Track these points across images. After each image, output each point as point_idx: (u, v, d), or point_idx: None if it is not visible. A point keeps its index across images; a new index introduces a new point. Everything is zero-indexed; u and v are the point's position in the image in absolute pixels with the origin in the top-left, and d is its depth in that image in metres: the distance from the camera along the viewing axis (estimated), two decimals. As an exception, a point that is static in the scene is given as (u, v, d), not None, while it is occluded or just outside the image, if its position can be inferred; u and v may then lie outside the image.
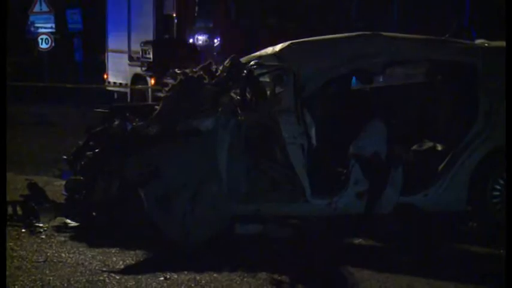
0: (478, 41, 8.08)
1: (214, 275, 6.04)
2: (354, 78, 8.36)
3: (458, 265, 6.57)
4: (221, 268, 6.16)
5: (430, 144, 7.94)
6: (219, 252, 6.61)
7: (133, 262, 6.42)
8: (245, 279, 5.97)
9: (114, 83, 19.53)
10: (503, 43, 7.97)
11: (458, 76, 8.04)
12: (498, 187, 7.35)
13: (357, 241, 7.22)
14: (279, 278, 6.02)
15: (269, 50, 7.82)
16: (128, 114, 7.66)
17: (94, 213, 7.23)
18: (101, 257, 6.45)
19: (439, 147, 7.83)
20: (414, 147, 7.96)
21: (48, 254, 6.57)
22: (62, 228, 7.29)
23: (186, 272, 6.07)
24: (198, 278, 5.98)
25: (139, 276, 6.01)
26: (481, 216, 7.47)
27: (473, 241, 7.27)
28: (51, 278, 5.96)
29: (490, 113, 7.39)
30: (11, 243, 6.73)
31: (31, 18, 23.03)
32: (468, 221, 7.68)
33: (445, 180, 7.33)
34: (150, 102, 14.97)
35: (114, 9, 19.45)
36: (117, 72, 19.35)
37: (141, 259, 6.50)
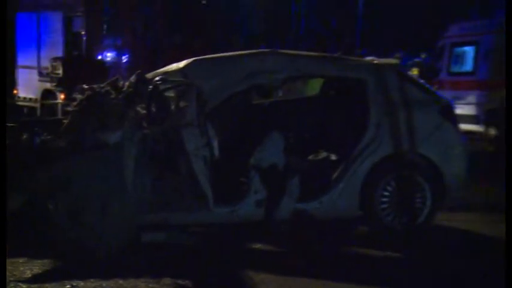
0: (368, 58, 8.32)
1: (120, 281, 6.00)
2: None
3: (352, 266, 6.71)
4: (127, 275, 6.12)
5: (325, 154, 8.12)
6: (125, 260, 6.56)
7: (40, 271, 6.31)
8: (150, 284, 5.95)
9: (24, 98, 19.20)
10: (389, 60, 8.25)
11: (351, 90, 8.25)
12: (387, 193, 7.56)
13: (257, 246, 7.30)
14: (183, 282, 6.03)
15: (174, 66, 7.85)
16: (36, 129, 7.54)
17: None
18: (9, 267, 6.28)
19: (333, 157, 8.01)
20: (310, 157, 8.13)
21: (-45, 265, 6.43)
22: (-30, 240, 7.13)
23: (92, 280, 6.01)
24: (104, 285, 5.93)
25: (46, 285, 5.92)
26: (371, 221, 7.67)
27: (365, 244, 7.42)
28: (-43, 289, 5.83)
29: (379, 125, 7.61)
30: None
31: None
32: (359, 226, 7.89)
33: (338, 188, 7.50)
34: (59, 116, 14.79)
35: (23, 26, 19.12)
36: (27, 87, 19.05)
37: (48, 268, 6.39)
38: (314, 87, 10.65)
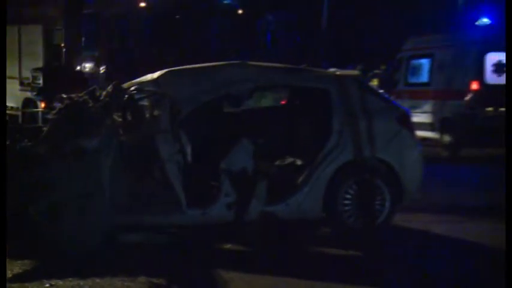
0: (330, 70, 8.34)
1: (97, 280, 5.94)
2: None
3: (316, 264, 6.71)
4: (104, 274, 6.06)
5: (291, 159, 8.12)
6: (102, 260, 6.51)
7: (21, 271, 6.23)
8: (125, 283, 5.90)
9: (6, 106, 19.00)
10: (350, 71, 8.30)
11: (315, 99, 8.27)
12: (348, 196, 7.60)
13: (227, 246, 7.27)
14: (157, 281, 5.98)
15: (148, 77, 7.82)
16: (18, 135, 7.46)
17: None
18: (-10, 268, 6.25)
19: (299, 162, 8.02)
20: (277, 162, 8.12)
21: None
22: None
23: (70, 279, 5.94)
24: (81, 283, 5.86)
25: (26, 284, 5.84)
26: (334, 222, 7.69)
27: (329, 244, 7.44)
28: None
29: (342, 132, 7.64)
30: None
31: None
32: (322, 227, 7.89)
33: (303, 191, 7.50)
34: (40, 124, 14.64)
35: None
36: (9, 96, 18.83)
37: (28, 268, 6.32)
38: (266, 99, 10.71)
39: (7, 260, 6.38)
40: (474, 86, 14.57)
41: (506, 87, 6.72)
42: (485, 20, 15.12)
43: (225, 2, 21.63)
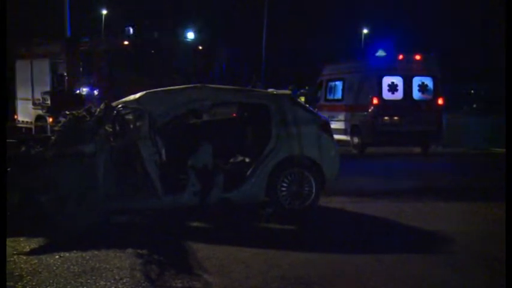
0: (269, 90, 8.35)
1: (95, 252, 5.84)
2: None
3: (262, 235, 6.72)
4: (100, 247, 5.97)
5: (241, 158, 8.12)
6: (99, 237, 6.40)
7: (36, 246, 6.10)
8: (117, 253, 5.81)
9: (22, 121, 18.70)
10: (284, 91, 8.32)
11: (258, 112, 8.27)
12: (285, 184, 7.61)
13: (194, 224, 7.22)
14: (141, 251, 5.91)
15: (131, 97, 7.72)
16: (31, 143, 7.30)
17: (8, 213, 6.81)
18: (12, 244, 6.08)
19: (247, 160, 8.02)
20: (231, 160, 8.11)
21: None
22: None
23: (75, 251, 5.84)
24: (83, 255, 5.76)
25: (41, 256, 5.71)
26: (274, 204, 7.70)
27: (270, 220, 7.43)
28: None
29: (279, 136, 7.67)
30: None
31: None
32: (265, 208, 7.89)
33: (251, 181, 7.50)
34: (48, 134, 14.36)
35: (21, 70, 18.63)
36: (24, 113, 18.62)
37: (42, 244, 6.18)
38: None
39: (26, 238, 6.31)
40: (375, 101, 14.81)
41: (506, 88, 5.68)
42: (381, 52, 15.35)
43: (188, 40, 21.68)
